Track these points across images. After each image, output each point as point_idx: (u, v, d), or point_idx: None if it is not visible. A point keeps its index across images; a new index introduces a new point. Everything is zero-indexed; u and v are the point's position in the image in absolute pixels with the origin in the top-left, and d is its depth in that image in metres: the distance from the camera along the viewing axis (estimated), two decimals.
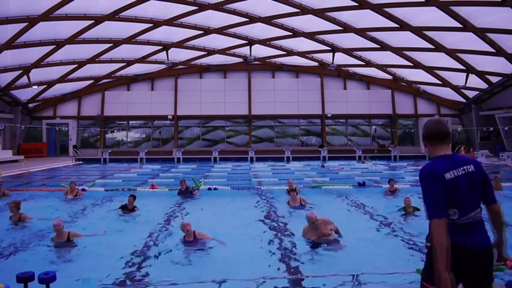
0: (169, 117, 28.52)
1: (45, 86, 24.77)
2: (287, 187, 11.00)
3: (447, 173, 2.36)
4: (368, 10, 17.23)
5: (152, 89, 28.77)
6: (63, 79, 24.69)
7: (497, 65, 19.67)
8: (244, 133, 29.52)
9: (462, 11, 15.97)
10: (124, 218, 8.23)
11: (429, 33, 18.86)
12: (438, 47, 19.72)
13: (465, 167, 2.41)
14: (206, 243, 5.99)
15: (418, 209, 8.04)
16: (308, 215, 6.04)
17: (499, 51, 18.06)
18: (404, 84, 28.12)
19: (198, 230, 6.13)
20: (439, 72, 23.75)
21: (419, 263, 5.08)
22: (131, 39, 21.35)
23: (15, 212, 7.48)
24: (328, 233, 5.91)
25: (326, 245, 5.82)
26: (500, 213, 2.48)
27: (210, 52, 24.95)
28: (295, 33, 21.50)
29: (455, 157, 2.47)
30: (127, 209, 8.57)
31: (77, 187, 10.83)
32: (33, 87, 23.52)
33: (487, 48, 18.07)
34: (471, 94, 25.15)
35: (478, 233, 2.37)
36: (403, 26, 18.23)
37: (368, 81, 28.81)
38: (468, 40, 17.80)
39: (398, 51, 21.85)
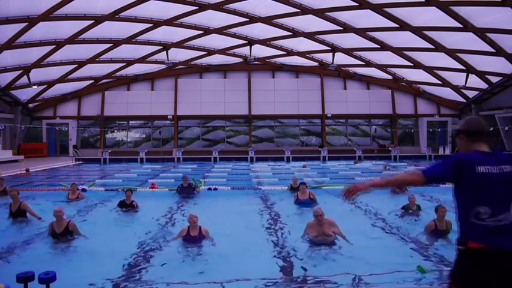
0: (169, 117, 28.52)
1: (45, 86, 24.77)
2: (290, 184, 11.02)
3: (480, 166, 2.32)
4: (368, 10, 17.23)
5: (152, 89, 28.77)
6: (63, 79, 24.69)
7: (497, 65, 19.66)
8: (244, 133, 29.52)
9: (462, 11, 15.97)
10: (124, 217, 8.23)
11: (429, 33, 18.86)
12: (438, 47, 19.72)
13: (502, 167, 2.35)
14: (207, 242, 5.98)
15: (420, 208, 8.04)
16: (315, 208, 6.11)
17: (499, 51, 18.05)
18: (404, 84, 28.12)
19: (204, 227, 6.09)
20: (439, 72, 23.74)
21: (420, 261, 5.10)
22: (131, 39, 21.35)
23: (15, 200, 7.53)
24: (330, 234, 5.92)
25: (325, 245, 5.82)
26: None
27: (210, 52, 24.94)
28: (295, 33, 21.49)
29: (496, 154, 2.41)
30: (126, 204, 8.56)
31: (79, 187, 10.81)
32: (33, 87, 23.52)
33: (487, 48, 18.06)
34: (471, 94, 25.15)
35: None
36: (403, 26, 18.22)
37: (368, 81, 28.81)
38: (468, 40, 17.79)
39: (398, 51, 21.84)
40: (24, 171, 16.34)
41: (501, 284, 2.24)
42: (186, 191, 10.61)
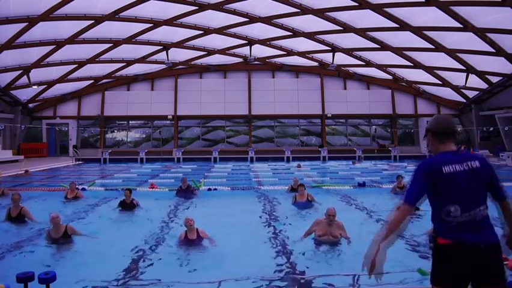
0: (169, 117, 28.52)
1: (45, 86, 24.76)
2: (291, 184, 10.99)
3: (446, 166, 2.37)
4: (368, 10, 17.23)
5: (152, 89, 28.77)
6: (63, 79, 24.69)
7: (497, 65, 19.65)
8: (244, 133, 29.52)
9: (462, 11, 15.97)
10: (124, 218, 8.22)
11: (429, 33, 18.85)
12: (438, 47, 19.71)
13: (469, 163, 2.40)
14: (207, 243, 5.98)
15: (418, 208, 8.01)
16: (330, 208, 6.07)
17: (499, 51, 18.05)
18: (404, 84, 28.12)
19: (201, 229, 6.09)
20: (439, 72, 23.74)
21: (419, 262, 5.09)
22: (131, 39, 21.34)
23: (16, 205, 7.37)
24: (336, 235, 5.92)
25: (327, 245, 5.82)
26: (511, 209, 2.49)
27: (210, 52, 24.94)
28: (295, 33, 21.49)
29: (460, 153, 2.47)
30: (126, 204, 8.55)
31: (77, 187, 10.81)
32: (33, 87, 23.51)
33: (487, 48, 18.05)
34: (471, 94, 25.14)
35: (483, 229, 2.34)
36: (403, 26, 18.22)
37: (368, 81, 28.81)
38: (468, 40, 17.78)
39: (398, 51, 21.83)
40: (23, 173, 16.32)
41: (470, 279, 2.30)
42: (185, 193, 10.59)
